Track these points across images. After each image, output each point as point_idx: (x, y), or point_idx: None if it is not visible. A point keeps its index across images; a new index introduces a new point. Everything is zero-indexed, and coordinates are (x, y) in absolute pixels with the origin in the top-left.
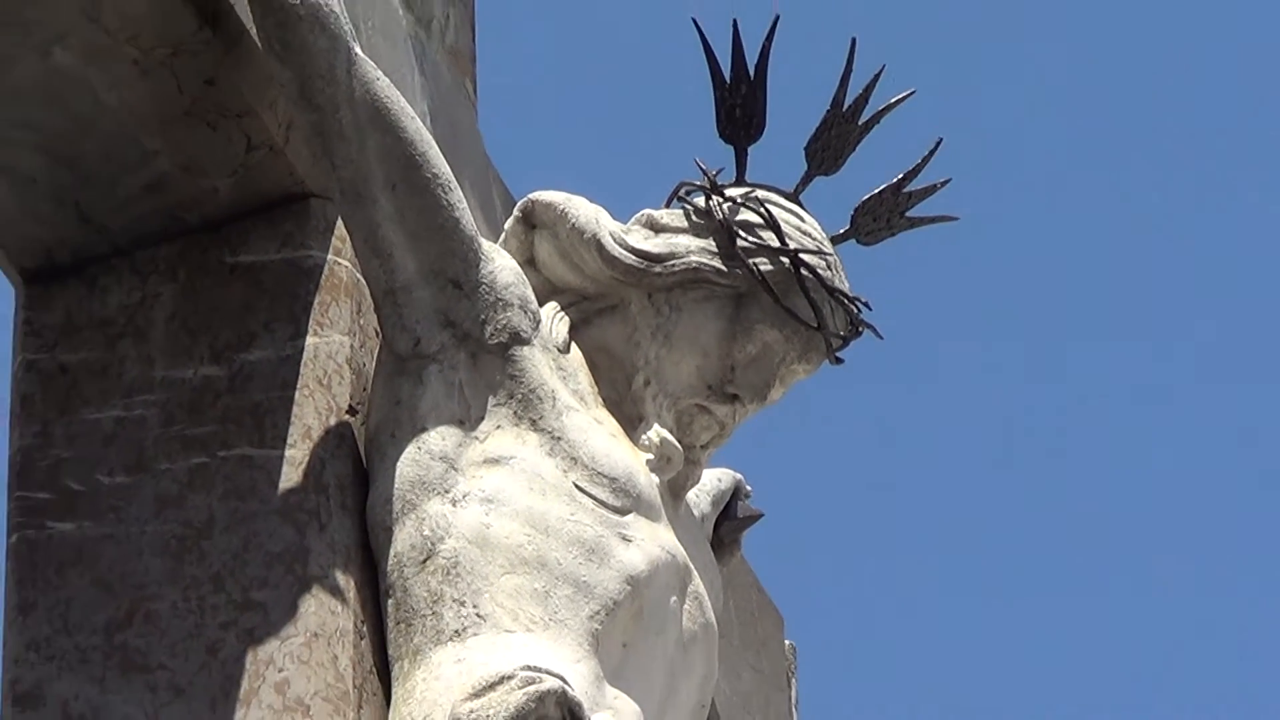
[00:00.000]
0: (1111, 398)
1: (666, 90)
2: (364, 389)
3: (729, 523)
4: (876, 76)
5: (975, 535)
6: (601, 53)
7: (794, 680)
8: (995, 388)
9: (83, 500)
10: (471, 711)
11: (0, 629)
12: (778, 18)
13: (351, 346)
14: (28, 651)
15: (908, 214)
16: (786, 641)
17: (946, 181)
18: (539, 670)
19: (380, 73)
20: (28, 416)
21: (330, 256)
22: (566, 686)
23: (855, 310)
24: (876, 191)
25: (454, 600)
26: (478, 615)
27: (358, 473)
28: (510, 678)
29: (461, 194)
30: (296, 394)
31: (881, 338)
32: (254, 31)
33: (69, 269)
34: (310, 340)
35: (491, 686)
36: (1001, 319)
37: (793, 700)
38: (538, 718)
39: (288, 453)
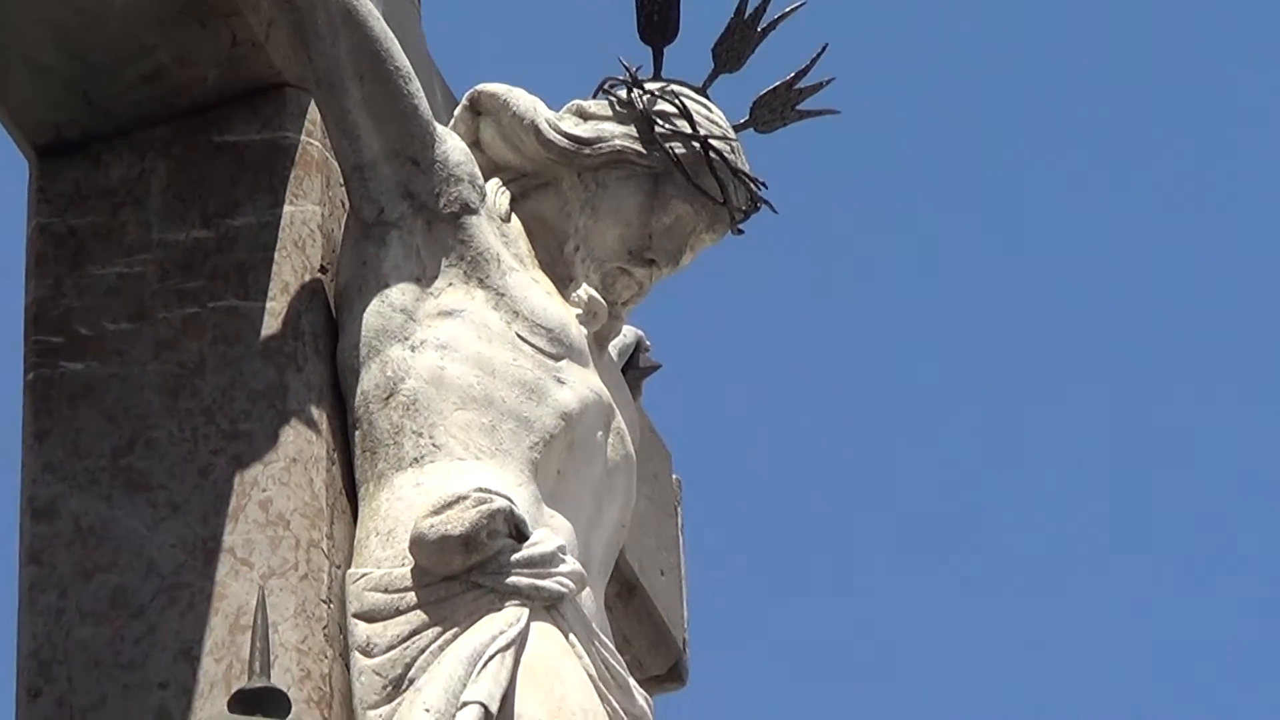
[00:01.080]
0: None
1: None
2: (333, 251)
3: (631, 372)
4: None
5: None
6: None
7: (680, 509)
8: (877, 259)
9: (90, 344)
10: (432, 526)
11: (19, 455)
12: None
13: (322, 215)
14: (43, 473)
15: (797, 108)
16: (674, 475)
17: (830, 80)
18: (490, 491)
19: None
20: (41, 273)
21: (303, 138)
22: (513, 505)
23: (754, 188)
24: (771, 88)
25: (413, 432)
26: (434, 445)
27: (329, 323)
28: (465, 498)
29: (419, 85)
30: (275, 254)
31: (776, 212)
32: None
33: (76, 146)
34: (287, 209)
35: (449, 505)
36: (878, 200)
37: (679, 526)
38: (489, 532)
39: (268, 305)
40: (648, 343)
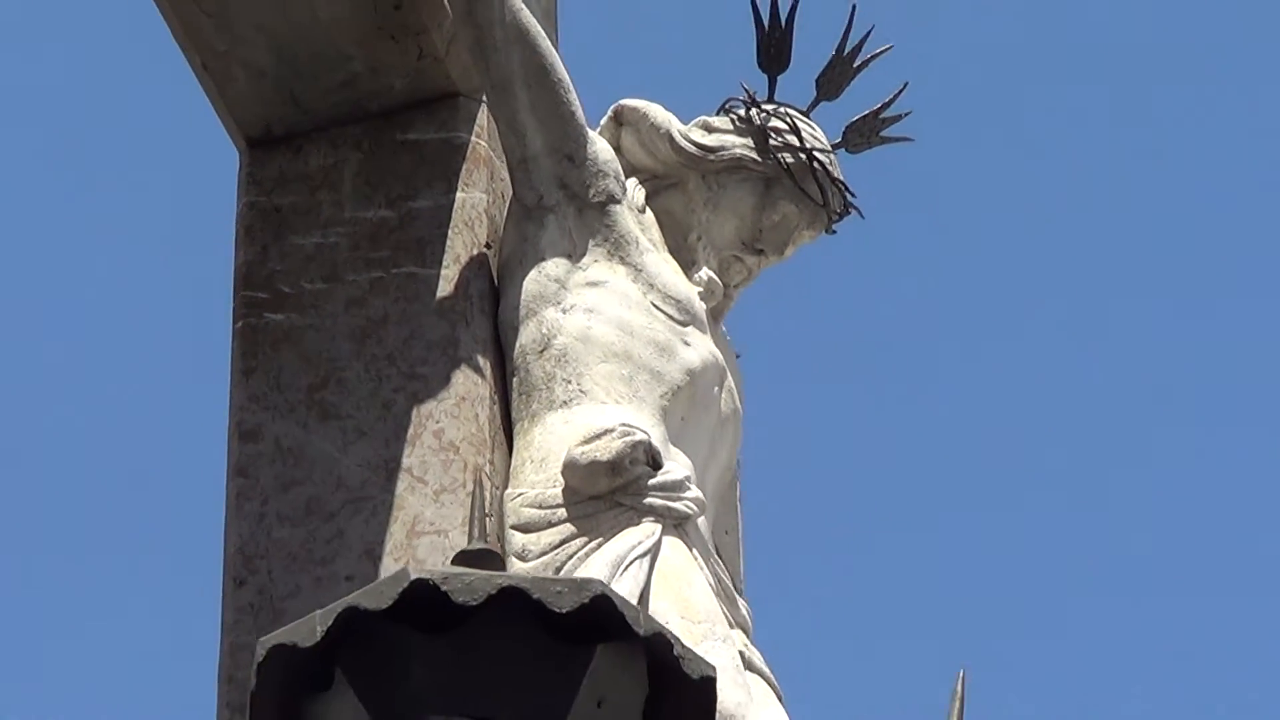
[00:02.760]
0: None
1: (720, 31)
2: (496, 231)
3: None
4: (868, 33)
5: None
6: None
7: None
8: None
9: (290, 299)
10: (583, 452)
11: (228, 388)
12: None
13: (488, 201)
14: (249, 403)
15: (881, 134)
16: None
17: (909, 113)
18: (632, 426)
19: (522, 3)
20: (250, 241)
21: (473, 138)
22: (650, 439)
23: (847, 195)
24: (861, 115)
25: (563, 379)
26: (580, 390)
27: (491, 289)
28: (612, 430)
29: (576, 95)
30: (449, 231)
31: (863, 216)
32: None
33: (281, 139)
34: (459, 195)
35: (598, 436)
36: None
37: (738, 492)
38: (631, 459)
39: (442, 272)
40: None
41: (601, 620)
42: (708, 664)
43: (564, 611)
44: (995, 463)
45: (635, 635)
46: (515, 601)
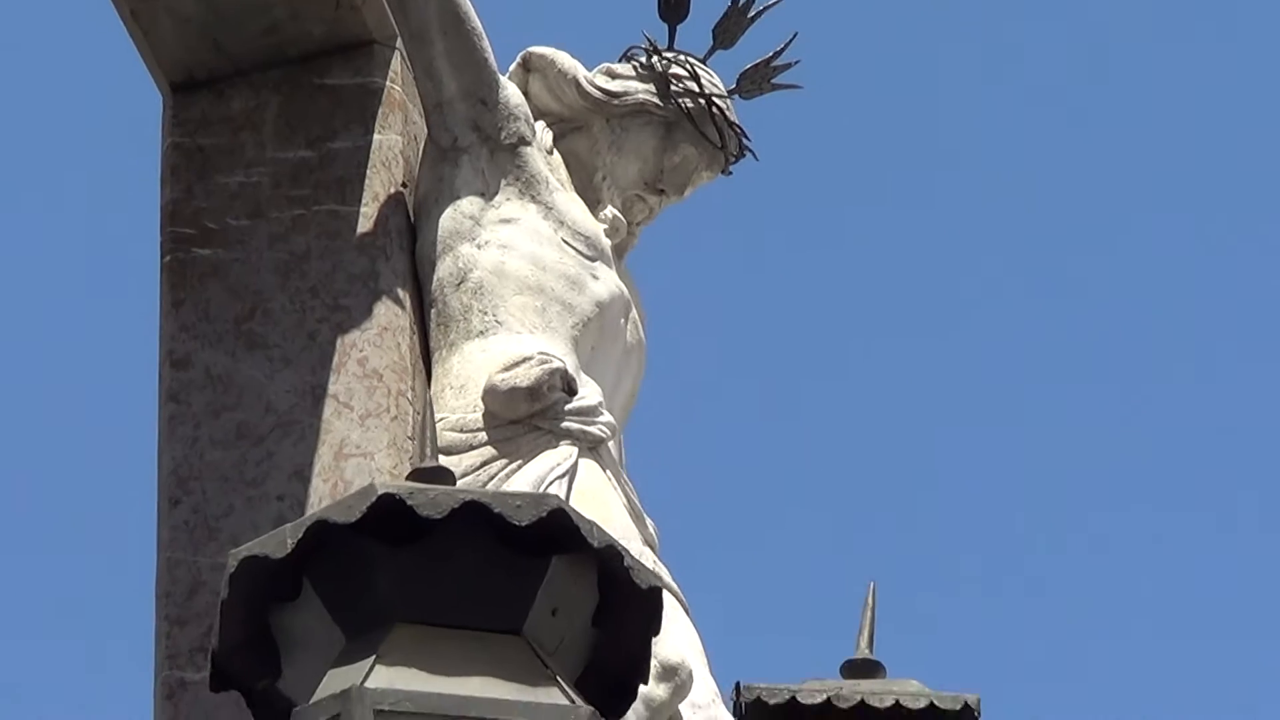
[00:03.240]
0: None
1: None
2: (411, 172)
3: None
4: None
5: None
6: None
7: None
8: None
9: (216, 235)
10: (503, 379)
11: (158, 319)
12: None
13: (403, 143)
14: (180, 332)
15: (773, 81)
16: None
17: (797, 61)
18: (549, 354)
19: None
20: (175, 180)
21: (387, 84)
22: (566, 366)
23: (743, 139)
24: (754, 63)
25: (479, 311)
26: (496, 321)
27: (408, 226)
28: (530, 358)
29: (488, 42)
30: (367, 171)
31: (758, 159)
32: None
33: (204, 83)
34: (376, 137)
35: (517, 364)
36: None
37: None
38: (548, 386)
39: (362, 210)
40: None
41: (556, 533)
42: (654, 574)
43: (523, 525)
44: (905, 376)
45: (589, 547)
46: (476, 515)
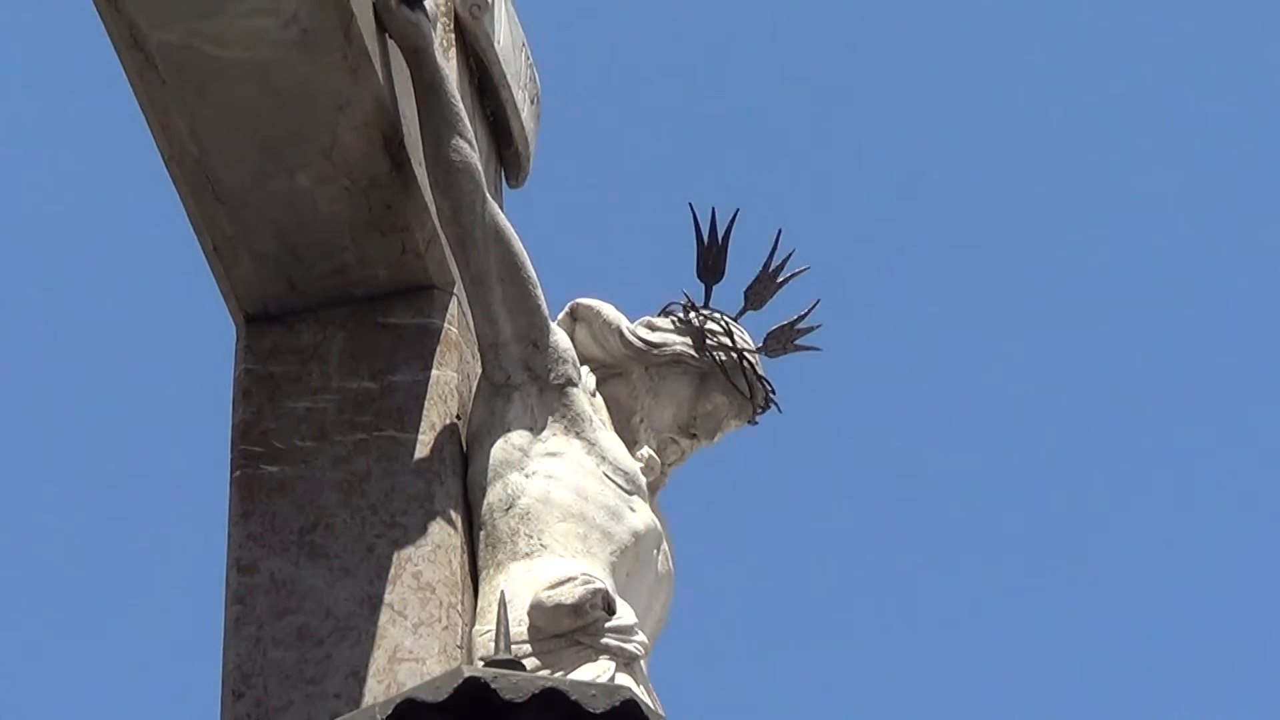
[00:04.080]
0: None
1: (665, 244)
2: (464, 405)
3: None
4: (789, 255)
5: None
6: (625, 200)
7: None
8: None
9: (284, 454)
10: (549, 596)
11: (226, 529)
12: (737, 211)
13: (458, 379)
14: (248, 540)
15: (795, 342)
16: None
17: (819, 326)
18: (592, 575)
19: (498, 209)
20: (246, 403)
21: (445, 325)
22: (607, 588)
23: (768, 392)
24: (778, 325)
25: (526, 534)
26: (541, 544)
27: (462, 454)
28: (574, 578)
29: (541, 291)
30: (425, 403)
31: (781, 411)
32: (422, 176)
33: (275, 317)
34: (433, 372)
35: (562, 582)
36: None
37: None
38: (590, 605)
39: (419, 437)
40: None
41: None
42: None
43: (596, 713)
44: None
45: None
46: (555, 701)
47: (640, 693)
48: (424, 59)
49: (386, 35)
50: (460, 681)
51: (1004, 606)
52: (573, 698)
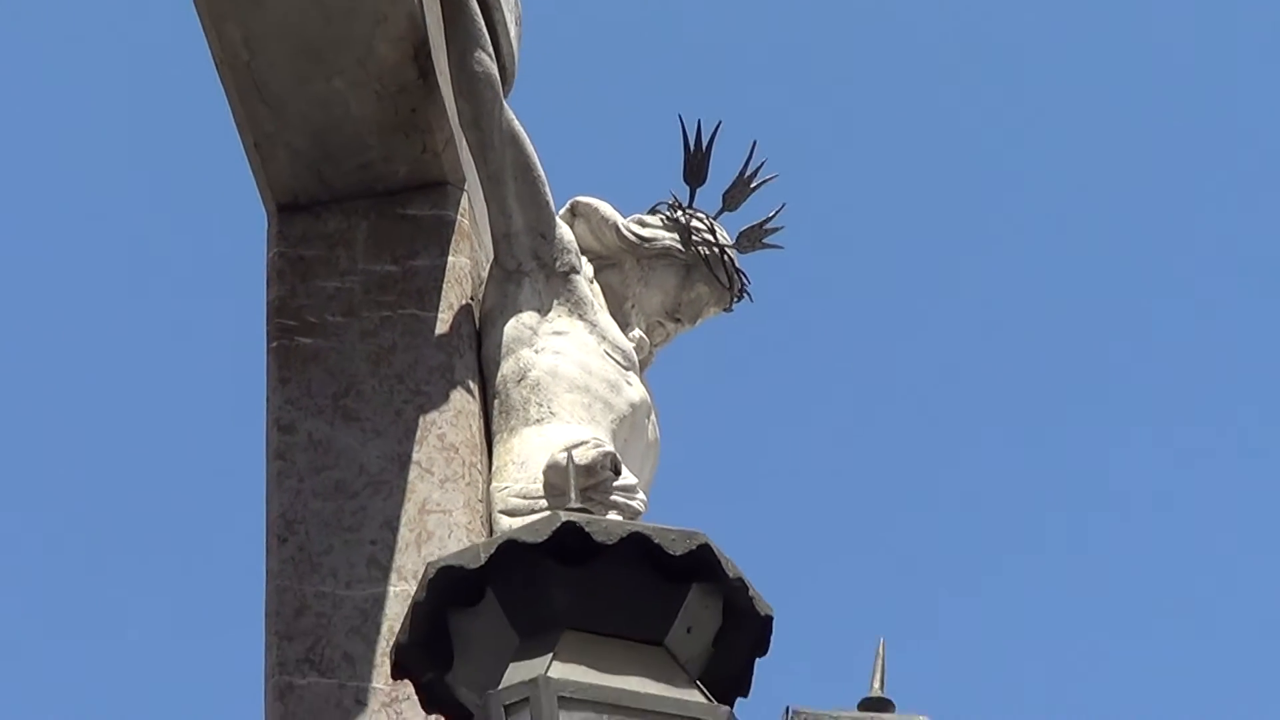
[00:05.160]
0: None
1: (656, 144)
2: (479, 287)
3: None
4: (761, 164)
5: None
6: (620, 108)
7: None
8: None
9: (316, 328)
10: (565, 456)
11: (265, 393)
12: (719, 124)
13: (470, 264)
14: (286, 404)
15: (763, 240)
16: None
17: (782, 227)
18: (601, 439)
19: (512, 115)
20: (280, 282)
21: (458, 216)
22: (615, 452)
23: (744, 283)
24: (749, 225)
25: (536, 403)
26: (550, 412)
27: (476, 331)
28: (585, 442)
29: (549, 188)
30: (443, 285)
31: (753, 300)
32: (444, 85)
33: (304, 206)
34: (449, 258)
35: (575, 446)
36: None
37: None
38: (600, 465)
39: (439, 315)
40: None
41: (699, 564)
42: (769, 606)
43: (675, 555)
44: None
45: (725, 578)
46: (639, 544)
47: None
48: None
49: None
50: (558, 525)
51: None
52: (655, 540)
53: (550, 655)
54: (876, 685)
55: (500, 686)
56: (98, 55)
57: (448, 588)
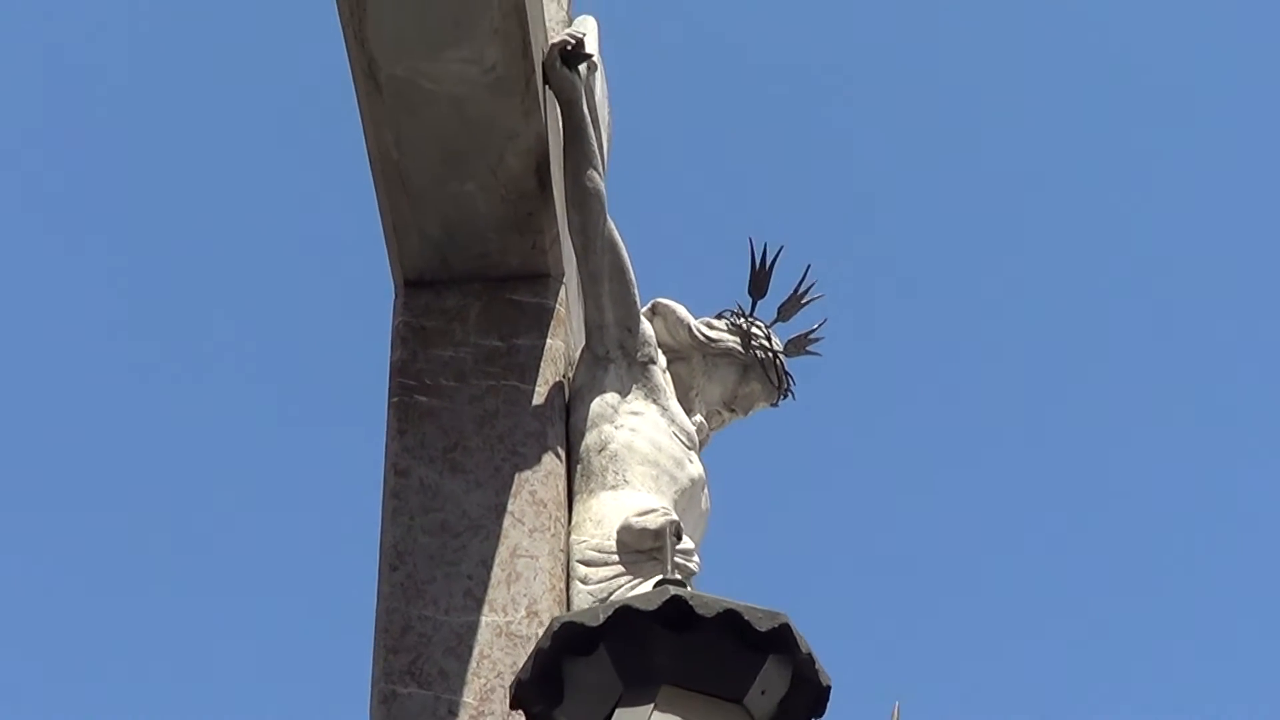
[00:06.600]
0: None
1: (726, 265)
2: (569, 367)
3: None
4: (811, 284)
5: None
6: (700, 224)
7: None
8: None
9: (431, 389)
10: (638, 521)
11: (384, 442)
12: (781, 248)
13: (566, 346)
14: (403, 452)
15: (806, 349)
16: None
17: (823, 338)
18: (669, 509)
19: (614, 225)
20: (403, 347)
21: (557, 305)
22: (678, 519)
23: (790, 384)
24: (796, 334)
25: (613, 471)
26: (625, 480)
27: (566, 405)
28: (655, 509)
29: (638, 290)
30: (541, 362)
31: (795, 399)
32: (557, 194)
33: (428, 284)
34: (548, 341)
35: (647, 511)
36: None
37: None
38: (669, 532)
39: (536, 389)
40: None
41: (777, 639)
42: (829, 677)
43: (761, 630)
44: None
45: (797, 652)
46: (732, 618)
47: None
48: (574, 108)
49: (547, 86)
50: (668, 597)
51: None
52: (745, 618)
53: (651, 705)
54: None
55: None
56: (270, 145)
57: (568, 639)
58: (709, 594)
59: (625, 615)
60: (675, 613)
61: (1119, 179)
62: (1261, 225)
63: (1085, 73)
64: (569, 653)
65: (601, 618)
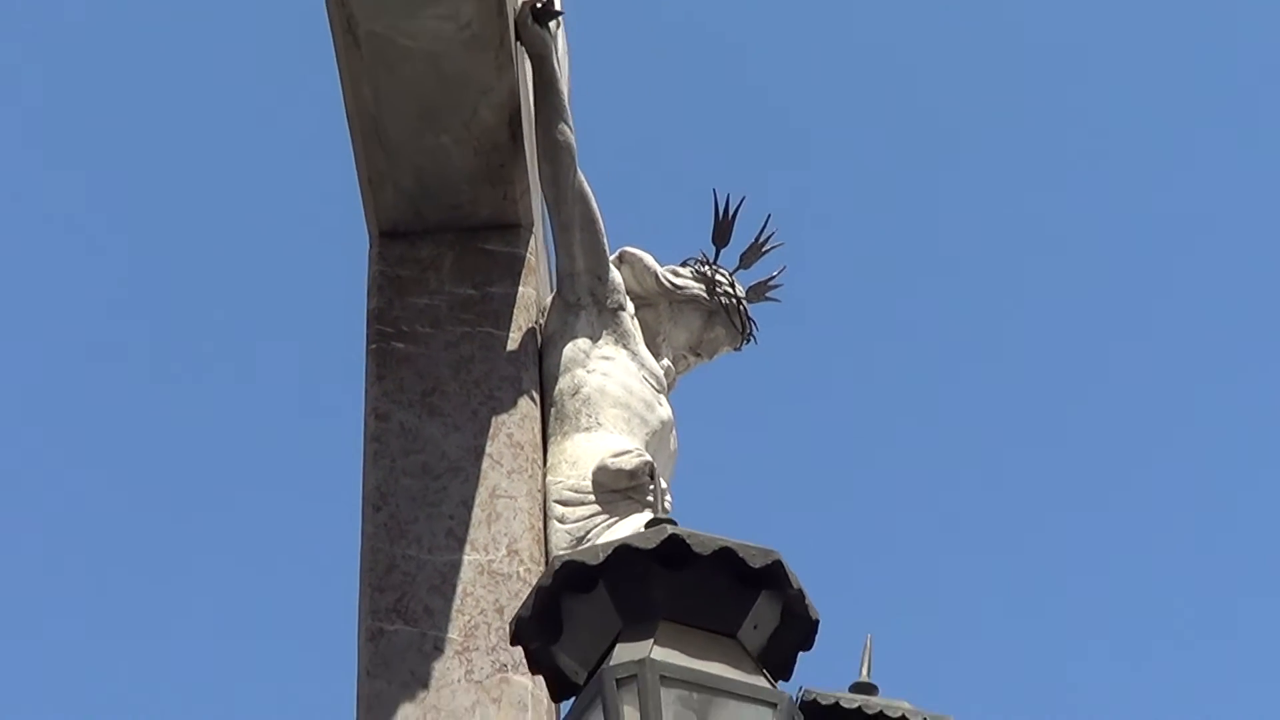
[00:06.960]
0: None
1: (690, 206)
2: (542, 314)
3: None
4: (772, 233)
5: None
6: (665, 174)
7: None
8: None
9: (407, 336)
10: (613, 460)
11: (362, 388)
12: (743, 198)
13: (538, 294)
14: (382, 396)
15: (766, 294)
16: None
17: (782, 284)
18: (643, 450)
19: (583, 176)
20: (380, 295)
21: (528, 254)
22: (651, 460)
23: (752, 329)
24: (757, 281)
25: (586, 414)
26: (597, 423)
27: (538, 350)
28: (630, 450)
29: (606, 239)
30: (514, 309)
31: (758, 343)
32: (529, 147)
33: (401, 235)
34: (520, 288)
35: (622, 452)
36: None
37: None
38: (641, 471)
39: (510, 334)
40: None
41: (770, 575)
42: (817, 612)
43: (755, 567)
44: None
45: (789, 588)
46: (727, 555)
47: None
48: (544, 63)
49: (519, 42)
50: (666, 536)
51: None
52: (740, 555)
53: (651, 640)
54: (864, 673)
55: (611, 663)
56: (249, 102)
57: (567, 577)
58: (704, 532)
59: (624, 553)
60: (672, 551)
61: (1089, 160)
62: (1261, 225)
63: (1054, 59)
64: (568, 590)
65: (601, 556)
